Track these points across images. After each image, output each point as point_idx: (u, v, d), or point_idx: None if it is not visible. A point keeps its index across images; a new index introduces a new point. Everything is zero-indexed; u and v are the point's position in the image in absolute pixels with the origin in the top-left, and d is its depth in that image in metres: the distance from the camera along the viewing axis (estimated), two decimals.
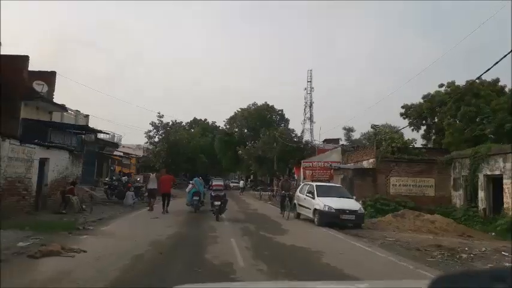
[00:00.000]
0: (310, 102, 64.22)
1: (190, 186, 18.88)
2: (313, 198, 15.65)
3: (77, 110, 29.88)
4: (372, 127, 28.90)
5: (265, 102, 63.80)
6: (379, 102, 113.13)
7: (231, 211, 19.74)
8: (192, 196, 17.88)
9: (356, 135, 52.93)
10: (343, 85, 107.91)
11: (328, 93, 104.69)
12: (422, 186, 22.29)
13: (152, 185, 19.13)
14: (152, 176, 19.66)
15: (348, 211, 14.74)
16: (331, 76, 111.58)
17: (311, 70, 64.40)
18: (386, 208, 20.26)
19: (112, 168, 34.35)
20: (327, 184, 18.93)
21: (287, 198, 16.58)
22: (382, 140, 27.24)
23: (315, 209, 15.29)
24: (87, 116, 31.68)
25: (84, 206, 16.10)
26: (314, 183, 17.18)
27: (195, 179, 19.81)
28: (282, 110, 64.31)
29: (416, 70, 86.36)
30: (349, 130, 58.62)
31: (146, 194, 20.16)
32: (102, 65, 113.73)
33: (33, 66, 16.61)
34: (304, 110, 63.53)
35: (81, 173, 19.29)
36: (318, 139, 41.91)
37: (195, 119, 77.74)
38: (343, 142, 46.03)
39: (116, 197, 20.41)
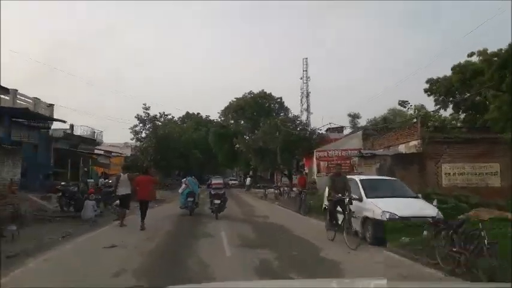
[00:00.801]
0: (307, 92, 58.95)
1: (183, 186, 16.88)
2: (360, 200, 10.04)
3: (35, 97, 24.12)
4: (399, 104, 23.45)
5: (263, 90, 58.59)
6: (380, 94, 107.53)
7: (233, 220, 14.52)
8: (186, 197, 16.06)
9: (362, 122, 48.06)
10: (344, 79, 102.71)
11: (331, 85, 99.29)
12: (483, 174, 16.85)
13: (124, 189, 13.58)
14: (123, 176, 13.93)
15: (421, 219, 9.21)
16: (332, 69, 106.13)
17: (306, 58, 58.84)
18: (443, 206, 14.76)
19: (86, 169, 28.56)
20: (377, 178, 13.32)
21: (348, 207, 9.18)
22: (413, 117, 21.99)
23: (366, 218, 9.74)
24: (51, 106, 25.86)
25: (13, 228, 10.47)
26: (356, 177, 11.56)
27: (188, 178, 17.78)
28: (280, 98, 59.01)
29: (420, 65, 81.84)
30: (354, 117, 53.46)
31: (117, 202, 14.55)
32: (96, 64, 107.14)
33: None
34: (301, 100, 58.18)
35: (19, 177, 13.67)
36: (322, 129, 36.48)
37: (187, 113, 72.25)
38: (348, 130, 41.25)
39: (73, 208, 14.75)
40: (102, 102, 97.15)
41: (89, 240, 10.00)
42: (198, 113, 72.50)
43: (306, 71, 59.17)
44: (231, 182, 53.51)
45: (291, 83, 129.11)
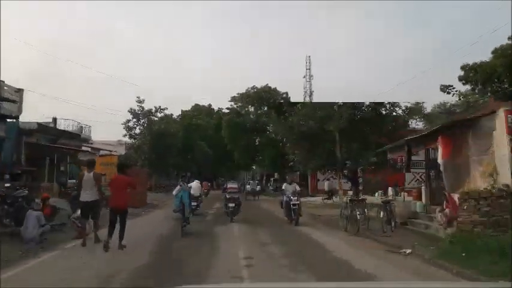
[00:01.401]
0: (310, 91, 55.18)
1: (178, 187, 14.25)
2: None
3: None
4: (441, 89, 18.91)
5: (267, 84, 53.66)
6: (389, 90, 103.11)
7: None
8: (181, 200, 13.27)
9: None
10: (348, 76, 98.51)
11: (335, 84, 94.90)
12: None
13: (88, 194, 9.35)
14: (87, 175, 9.57)
15: None
16: (335, 67, 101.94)
17: (309, 56, 54.98)
18: None
19: (63, 168, 24.21)
20: None
21: None
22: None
23: None
24: (20, 91, 21.45)
25: None
26: None
27: (180, 182, 14.68)
28: (286, 93, 54.11)
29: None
30: None
31: (77, 213, 10.19)
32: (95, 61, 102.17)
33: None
34: (304, 99, 54.36)
35: None
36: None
37: (196, 105, 63.29)
38: None
39: (13, 220, 10.34)
40: (99, 99, 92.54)
41: None
42: (210, 104, 60.78)
43: (309, 69, 55.92)
44: (249, 187, 34.54)
45: (294, 82, 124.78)
